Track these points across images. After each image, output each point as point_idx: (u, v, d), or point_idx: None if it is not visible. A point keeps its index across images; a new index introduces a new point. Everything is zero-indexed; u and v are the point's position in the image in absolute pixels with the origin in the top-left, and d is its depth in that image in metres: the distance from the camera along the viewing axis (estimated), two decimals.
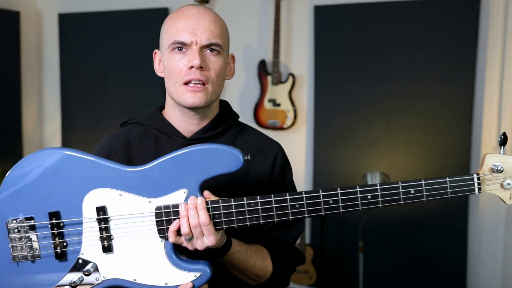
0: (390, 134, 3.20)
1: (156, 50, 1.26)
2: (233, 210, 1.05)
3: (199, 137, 1.22)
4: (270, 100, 3.41)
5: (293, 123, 3.40)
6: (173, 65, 1.16)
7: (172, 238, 1.05)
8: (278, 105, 3.40)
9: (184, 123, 1.22)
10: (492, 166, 1.08)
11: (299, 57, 3.43)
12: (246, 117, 3.43)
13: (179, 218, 1.04)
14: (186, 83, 1.15)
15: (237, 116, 1.32)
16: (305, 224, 3.43)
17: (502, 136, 1.08)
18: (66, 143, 3.97)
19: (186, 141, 1.21)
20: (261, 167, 1.25)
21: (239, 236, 1.16)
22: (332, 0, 3.31)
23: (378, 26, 3.20)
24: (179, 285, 1.06)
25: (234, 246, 1.13)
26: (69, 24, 3.89)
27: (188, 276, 1.06)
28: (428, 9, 3.09)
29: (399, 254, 3.24)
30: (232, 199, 1.06)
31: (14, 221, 1.08)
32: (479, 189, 1.07)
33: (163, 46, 1.20)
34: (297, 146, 3.48)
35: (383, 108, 3.21)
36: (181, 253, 1.10)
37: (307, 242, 3.44)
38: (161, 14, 3.63)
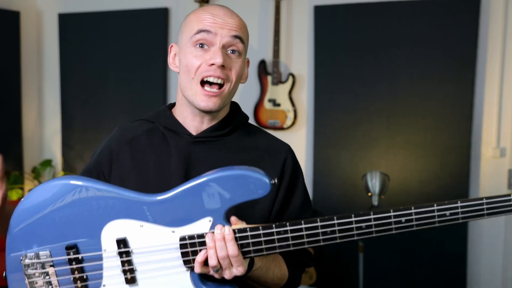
0: (390, 134, 3.20)
1: (173, 44, 1.23)
2: (262, 239, 1.00)
3: (206, 136, 1.20)
4: (270, 100, 3.41)
5: (293, 123, 3.40)
6: (192, 61, 1.12)
7: (198, 269, 1.00)
8: (278, 105, 3.40)
9: (194, 121, 1.20)
10: None
11: (299, 57, 3.43)
12: (249, 118, 3.43)
13: (205, 248, 0.99)
14: (203, 83, 1.12)
15: (247, 118, 1.31)
16: None
17: None
18: (66, 143, 3.97)
19: (192, 139, 1.20)
20: (270, 171, 1.20)
21: None
22: (332, 0, 3.31)
23: (378, 26, 3.20)
24: None
25: (256, 262, 1.09)
26: (69, 24, 3.89)
27: None
28: (428, 9, 3.09)
29: (399, 254, 3.24)
30: (260, 227, 1.00)
31: (29, 257, 1.01)
32: None
33: (183, 40, 1.17)
34: (297, 146, 3.48)
35: (383, 108, 3.21)
36: (205, 277, 1.06)
37: None
38: (161, 14, 3.63)
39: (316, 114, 3.39)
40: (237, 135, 1.25)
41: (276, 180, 1.01)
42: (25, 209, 1.02)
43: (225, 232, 0.99)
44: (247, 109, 3.47)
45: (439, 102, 3.09)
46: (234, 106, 1.31)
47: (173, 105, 1.28)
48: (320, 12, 3.33)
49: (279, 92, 3.40)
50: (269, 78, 3.40)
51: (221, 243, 0.98)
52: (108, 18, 3.78)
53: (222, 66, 1.11)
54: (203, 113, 1.18)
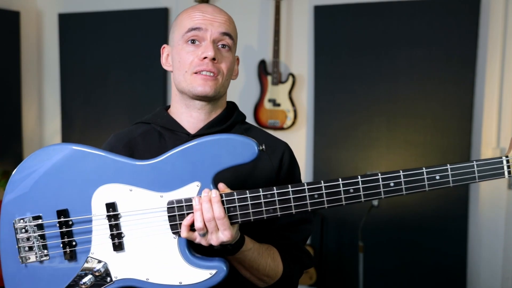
0: (390, 134, 3.20)
1: (164, 45, 1.27)
2: (249, 203, 1.00)
3: (204, 133, 1.21)
4: (270, 100, 3.41)
5: (293, 123, 3.40)
6: (185, 56, 1.17)
7: (185, 233, 1.00)
8: (278, 105, 3.40)
9: (190, 118, 1.22)
10: None
11: (299, 57, 3.43)
12: (246, 117, 3.43)
13: (192, 212, 1.00)
14: (197, 73, 1.16)
15: (244, 116, 1.33)
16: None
17: None
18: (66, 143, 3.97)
19: (190, 137, 1.21)
20: (268, 165, 1.23)
21: (248, 235, 1.13)
22: (332, 0, 3.31)
23: (378, 26, 3.20)
24: (194, 283, 1.01)
25: (247, 243, 1.08)
26: (69, 24, 3.89)
27: (204, 274, 1.01)
28: (428, 9, 3.09)
29: (399, 254, 3.24)
30: (247, 191, 1.00)
31: (22, 220, 1.04)
32: (509, 172, 1.00)
33: (174, 40, 1.22)
34: (297, 146, 3.47)
35: (383, 108, 3.21)
36: (194, 250, 1.06)
37: (307, 242, 3.43)
38: (161, 14, 3.63)
39: (316, 114, 3.39)
40: (235, 131, 1.27)
41: (264, 147, 1.01)
42: (20, 175, 1.05)
43: (211, 194, 0.99)
44: (247, 109, 3.46)
45: (439, 103, 3.09)
46: (232, 105, 1.33)
47: (169, 107, 1.31)
48: (320, 12, 3.33)
49: (279, 92, 3.40)
50: (269, 78, 3.40)
51: (207, 205, 0.99)
52: (108, 18, 3.78)
53: (213, 59, 1.15)
54: (199, 104, 1.20)
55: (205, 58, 1.14)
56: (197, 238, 1.02)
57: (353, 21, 3.27)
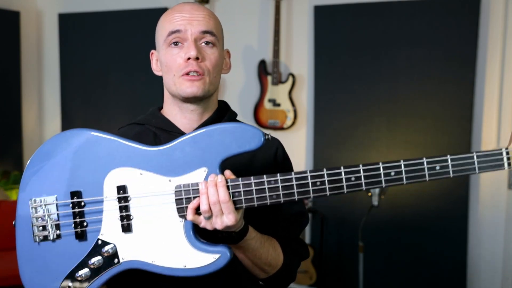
0: (390, 134, 3.20)
1: (152, 51, 1.28)
2: (253, 188, 1.03)
3: None
4: (270, 100, 3.41)
5: (293, 123, 3.40)
6: (170, 60, 1.18)
7: (190, 215, 1.03)
8: (278, 105, 3.40)
9: (184, 119, 1.23)
10: None
11: (299, 57, 3.43)
12: (246, 117, 3.43)
13: (198, 196, 1.03)
14: (183, 75, 1.17)
15: (236, 114, 1.34)
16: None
17: None
18: None
19: None
20: (262, 162, 1.25)
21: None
22: (332, 0, 3.31)
23: (378, 26, 3.20)
24: (198, 267, 1.04)
25: (250, 232, 1.11)
26: (69, 24, 3.89)
27: (207, 258, 1.04)
28: (428, 9, 3.09)
29: (399, 254, 3.24)
30: (252, 177, 1.04)
31: (38, 200, 1.09)
32: (509, 164, 1.00)
33: (159, 44, 1.23)
34: (297, 146, 3.47)
35: (383, 108, 3.21)
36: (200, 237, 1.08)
37: (307, 242, 3.44)
38: (161, 14, 3.62)
39: (316, 114, 3.39)
40: None
41: (269, 136, 1.06)
42: (39, 157, 1.10)
43: (217, 179, 1.03)
44: (247, 109, 3.47)
45: (439, 102, 3.09)
46: (223, 104, 1.33)
47: (161, 107, 1.31)
48: (320, 12, 3.33)
49: (279, 92, 3.40)
50: (269, 78, 3.40)
51: (213, 189, 1.02)
52: (108, 18, 3.78)
53: (197, 59, 1.15)
54: (192, 106, 1.21)
55: (189, 58, 1.15)
56: (202, 221, 1.04)
57: (353, 21, 3.27)
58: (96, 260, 1.06)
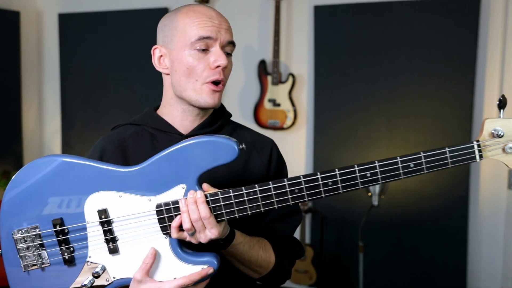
0: (390, 134, 3.20)
1: (157, 46, 1.24)
2: (233, 201, 1.04)
3: (197, 134, 1.23)
4: (270, 100, 3.41)
5: (293, 123, 3.40)
6: (195, 64, 1.16)
7: (174, 234, 1.05)
8: (278, 105, 3.40)
9: (184, 120, 1.23)
10: (492, 131, 1.03)
11: (299, 57, 3.43)
12: (246, 117, 3.43)
13: (180, 213, 1.05)
14: (208, 82, 1.17)
15: (230, 115, 1.34)
16: (304, 218, 3.43)
17: (501, 98, 1.03)
18: (66, 143, 3.97)
19: (183, 138, 1.22)
20: (258, 163, 1.26)
21: (239, 229, 1.17)
22: (332, 0, 3.31)
23: (378, 26, 3.20)
24: None
25: (237, 237, 1.13)
26: (69, 24, 3.89)
27: (196, 269, 1.06)
28: (428, 9, 3.09)
29: (399, 254, 3.24)
30: (231, 190, 1.05)
31: (20, 231, 1.09)
32: (481, 156, 1.03)
33: (177, 43, 1.18)
34: (297, 146, 3.48)
35: (383, 108, 3.21)
36: (186, 246, 1.10)
37: (307, 242, 3.44)
38: (161, 14, 3.59)
39: (316, 114, 3.39)
40: (225, 131, 1.29)
41: (244, 146, 1.05)
42: (14, 187, 1.10)
43: (196, 196, 1.03)
44: (247, 109, 3.47)
45: (439, 102, 3.09)
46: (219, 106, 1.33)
47: (157, 107, 1.31)
48: (320, 12, 3.33)
49: (279, 92, 3.40)
50: (269, 78, 3.40)
51: (193, 206, 1.03)
52: (108, 18, 3.78)
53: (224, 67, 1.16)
54: (199, 111, 1.21)
55: (217, 66, 1.15)
56: (187, 237, 1.06)
57: (353, 21, 3.27)
58: (88, 281, 1.08)
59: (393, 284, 3.29)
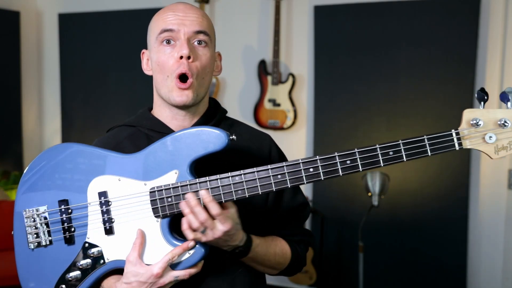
0: (390, 134, 3.20)
1: (144, 50, 1.29)
2: (243, 180, 1.08)
3: None
4: (270, 100, 3.41)
5: (293, 123, 3.40)
6: (163, 59, 1.17)
7: (190, 235, 1.07)
8: (278, 105, 3.40)
9: (176, 121, 1.23)
10: (471, 121, 1.06)
11: (299, 57, 3.43)
12: (246, 117, 3.43)
13: (171, 196, 1.09)
14: (176, 80, 1.16)
15: (225, 112, 1.34)
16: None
17: (479, 91, 1.05)
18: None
19: None
20: (258, 158, 1.27)
21: (252, 232, 1.18)
22: (332, 0, 3.31)
23: (378, 26, 3.20)
24: (175, 262, 1.10)
25: (254, 240, 1.15)
26: (69, 24, 3.89)
27: (183, 254, 1.10)
28: (428, 9, 3.09)
29: (399, 254, 3.24)
30: (241, 171, 1.08)
31: (30, 211, 1.19)
32: (460, 144, 1.06)
33: (150, 42, 1.23)
34: (297, 146, 3.47)
35: (383, 108, 3.21)
36: (178, 234, 1.13)
37: None
38: None
39: (316, 114, 3.39)
40: (221, 127, 1.27)
41: (234, 136, 1.09)
42: (29, 173, 1.21)
43: (202, 194, 1.05)
44: (247, 109, 3.46)
45: (439, 102, 3.09)
46: (213, 102, 1.33)
47: (151, 108, 1.31)
48: (320, 12, 3.33)
49: (279, 92, 3.40)
50: (269, 78, 3.40)
51: (198, 208, 1.05)
52: (108, 18, 3.78)
53: (189, 58, 1.15)
54: (181, 111, 1.21)
55: (181, 57, 1.14)
56: (202, 237, 1.07)
57: (353, 21, 3.27)
58: (84, 262, 1.15)
59: (393, 284, 3.29)
